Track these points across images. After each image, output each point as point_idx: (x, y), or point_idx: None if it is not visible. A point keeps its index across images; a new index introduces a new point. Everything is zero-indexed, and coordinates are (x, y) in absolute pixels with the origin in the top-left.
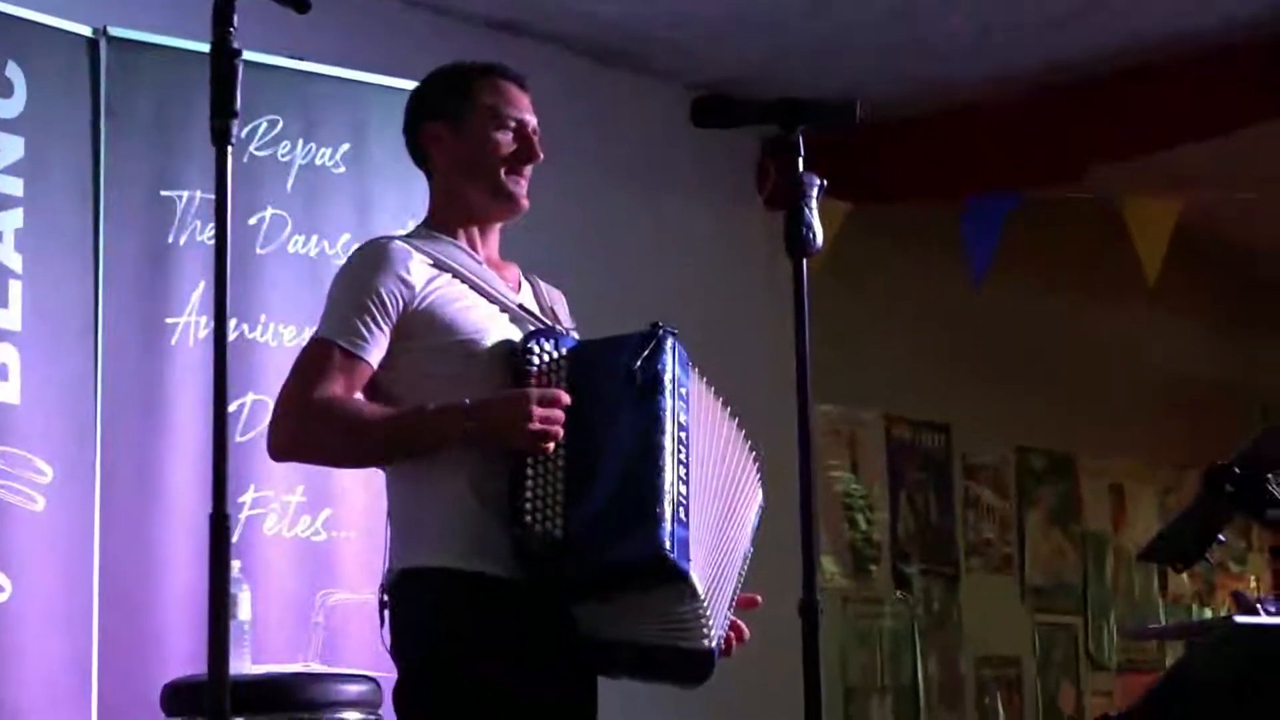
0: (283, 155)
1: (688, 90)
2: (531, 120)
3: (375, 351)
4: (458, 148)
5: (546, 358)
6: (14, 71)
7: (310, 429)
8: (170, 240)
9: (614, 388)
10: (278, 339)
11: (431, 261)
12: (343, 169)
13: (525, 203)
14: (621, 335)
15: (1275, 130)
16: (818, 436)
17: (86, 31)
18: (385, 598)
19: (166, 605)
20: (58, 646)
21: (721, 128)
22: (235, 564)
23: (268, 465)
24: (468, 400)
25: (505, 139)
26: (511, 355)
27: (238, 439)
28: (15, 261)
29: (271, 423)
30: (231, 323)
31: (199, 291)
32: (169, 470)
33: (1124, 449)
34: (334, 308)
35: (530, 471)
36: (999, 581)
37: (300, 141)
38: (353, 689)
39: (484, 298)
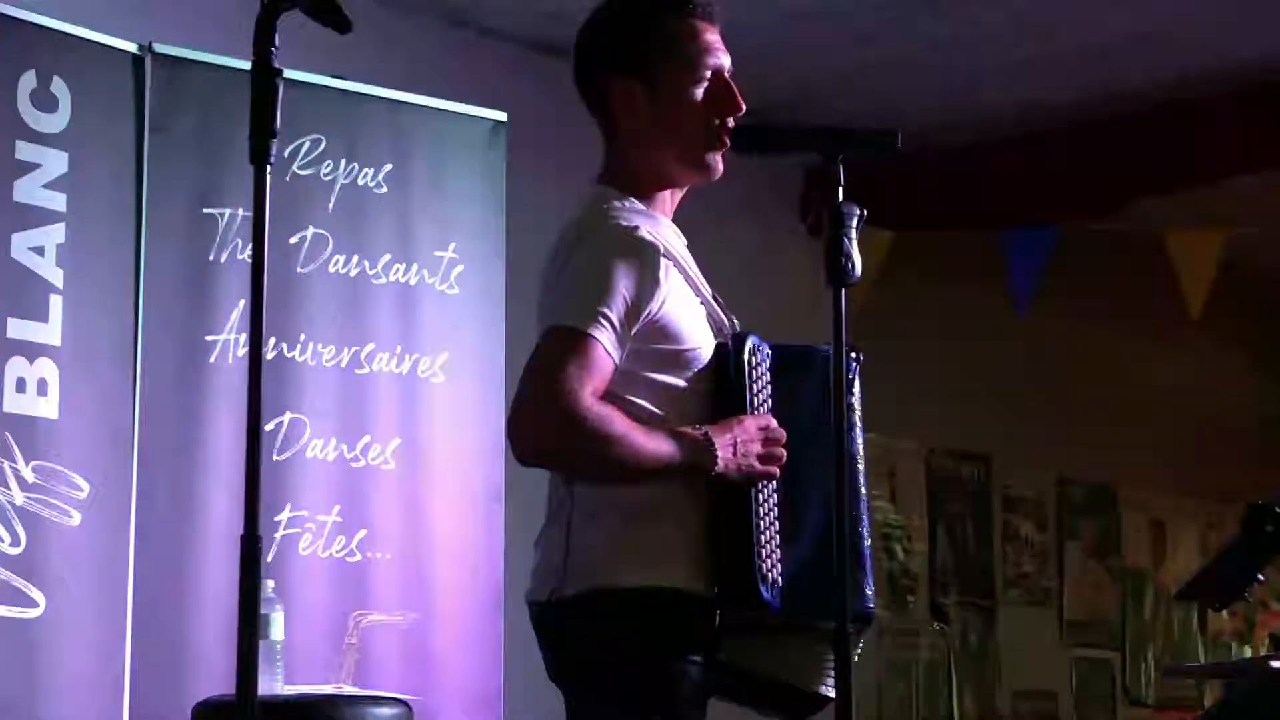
0: (325, 175)
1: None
2: (726, 63)
3: (620, 352)
4: (653, 110)
5: (758, 377)
6: (59, 87)
7: (576, 439)
8: (211, 258)
9: (810, 411)
10: (317, 358)
11: (661, 249)
12: (385, 189)
13: (720, 167)
14: (810, 348)
15: None
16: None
17: (132, 48)
18: (555, 616)
19: (200, 623)
20: (91, 663)
21: (761, 155)
22: (269, 583)
23: (304, 484)
24: (712, 438)
25: (704, 96)
26: (731, 371)
27: (275, 458)
28: (56, 276)
29: (524, 421)
30: (270, 341)
31: (239, 310)
32: (205, 488)
33: (1166, 484)
34: (590, 296)
35: (756, 496)
36: (1037, 615)
37: (343, 161)
38: (384, 711)
39: (691, 286)
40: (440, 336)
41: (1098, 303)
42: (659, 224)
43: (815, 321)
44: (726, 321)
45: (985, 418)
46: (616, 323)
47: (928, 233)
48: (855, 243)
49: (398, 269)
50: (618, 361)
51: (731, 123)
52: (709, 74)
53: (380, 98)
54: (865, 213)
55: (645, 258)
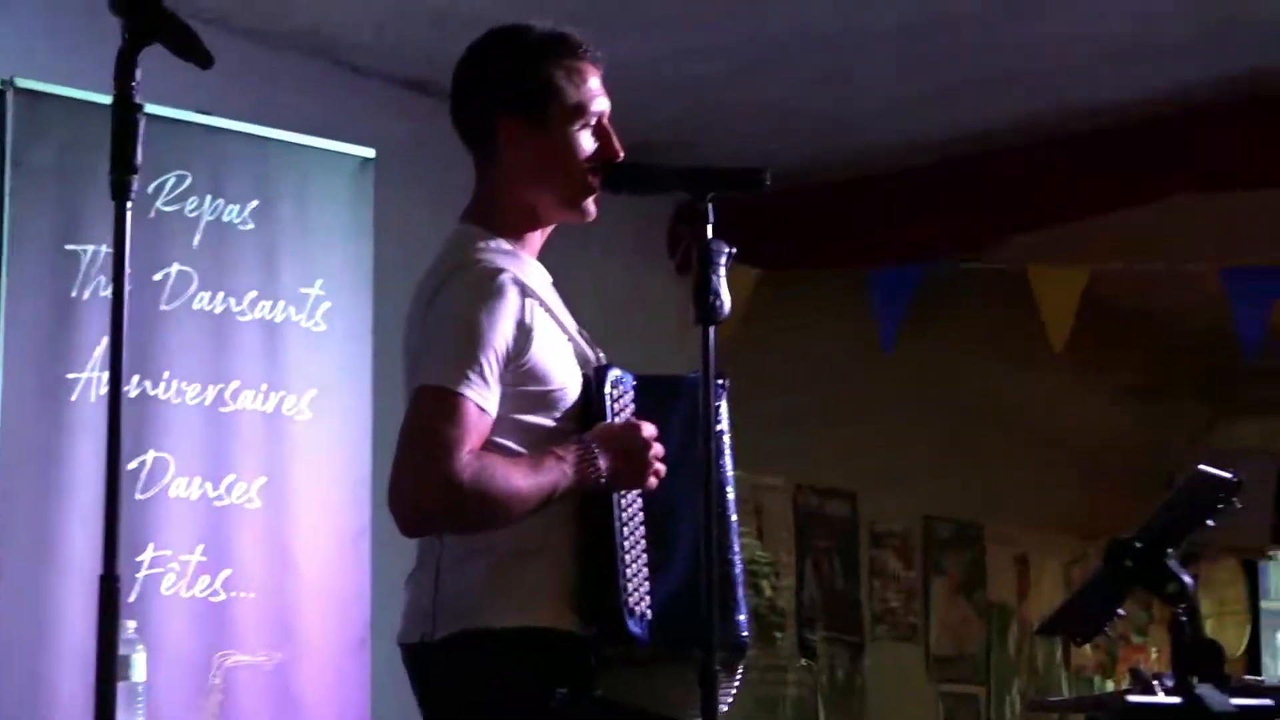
0: (190, 211)
1: None
2: (608, 107)
3: (495, 403)
4: (535, 149)
5: (621, 409)
6: None
7: (460, 504)
8: (74, 295)
9: (677, 441)
10: (180, 396)
11: (527, 291)
12: (251, 226)
13: (594, 210)
14: (676, 378)
15: (1182, 203)
16: None
17: None
18: (427, 658)
19: (61, 664)
20: None
21: (631, 194)
22: (130, 624)
23: (168, 523)
24: (593, 444)
25: (587, 139)
26: (592, 404)
27: (137, 497)
28: None
29: (404, 492)
30: (133, 379)
31: (101, 348)
32: (67, 528)
33: (1031, 518)
34: (458, 352)
35: (622, 530)
36: (904, 650)
37: (208, 197)
38: None
39: (559, 325)
40: (306, 374)
41: (964, 338)
42: (524, 264)
43: (685, 358)
44: (594, 356)
45: (852, 454)
46: (487, 375)
47: (798, 270)
48: (724, 280)
49: (263, 306)
50: (493, 413)
51: (599, 178)
52: (593, 118)
53: (247, 133)
54: (734, 250)
55: (511, 302)
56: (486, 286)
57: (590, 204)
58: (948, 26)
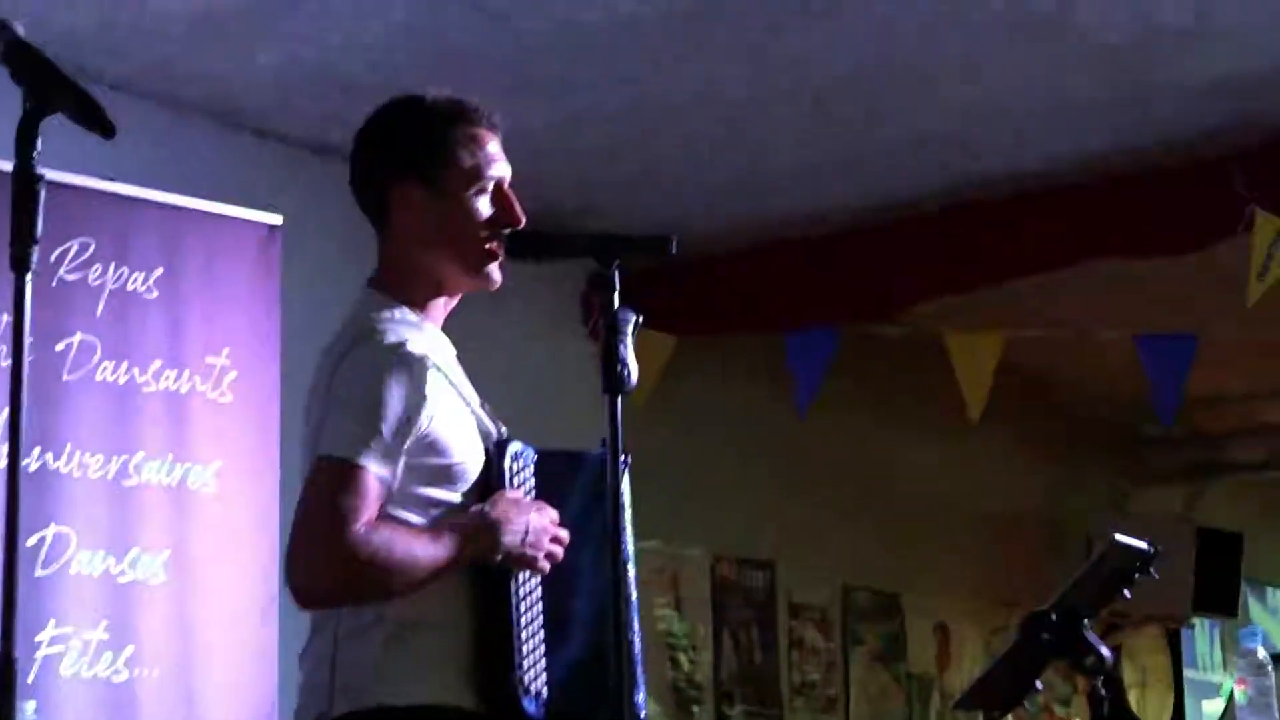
0: (93, 279)
1: None
2: (508, 173)
3: (395, 473)
4: (431, 215)
5: (521, 482)
6: None
7: (359, 575)
8: None
9: (580, 514)
10: (83, 469)
11: (430, 363)
12: (155, 294)
13: (498, 277)
14: (578, 453)
15: (1094, 268)
16: (641, 575)
17: None
18: None
19: None
20: None
21: (537, 262)
22: (30, 705)
23: (69, 600)
24: (491, 518)
25: (484, 204)
26: (493, 479)
27: (38, 573)
28: None
29: (301, 564)
30: (34, 452)
31: (0, 420)
32: None
33: (951, 587)
34: (357, 423)
35: (519, 605)
36: None
37: (112, 265)
38: None
39: (462, 398)
40: (212, 446)
41: (881, 405)
42: (426, 334)
43: (598, 427)
44: (495, 430)
45: (770, 523)
46: (386, 446)
47: (711, 336)
48: (631, 348)
49: (168, 376)
50: (393, 485)
51: (502, 241)
52: (491, 184)
53: (152, 201)
54: (641, 319)
55: (412, 374)
56: (387, 358)
57: (493, 271)
58: (855, 91)
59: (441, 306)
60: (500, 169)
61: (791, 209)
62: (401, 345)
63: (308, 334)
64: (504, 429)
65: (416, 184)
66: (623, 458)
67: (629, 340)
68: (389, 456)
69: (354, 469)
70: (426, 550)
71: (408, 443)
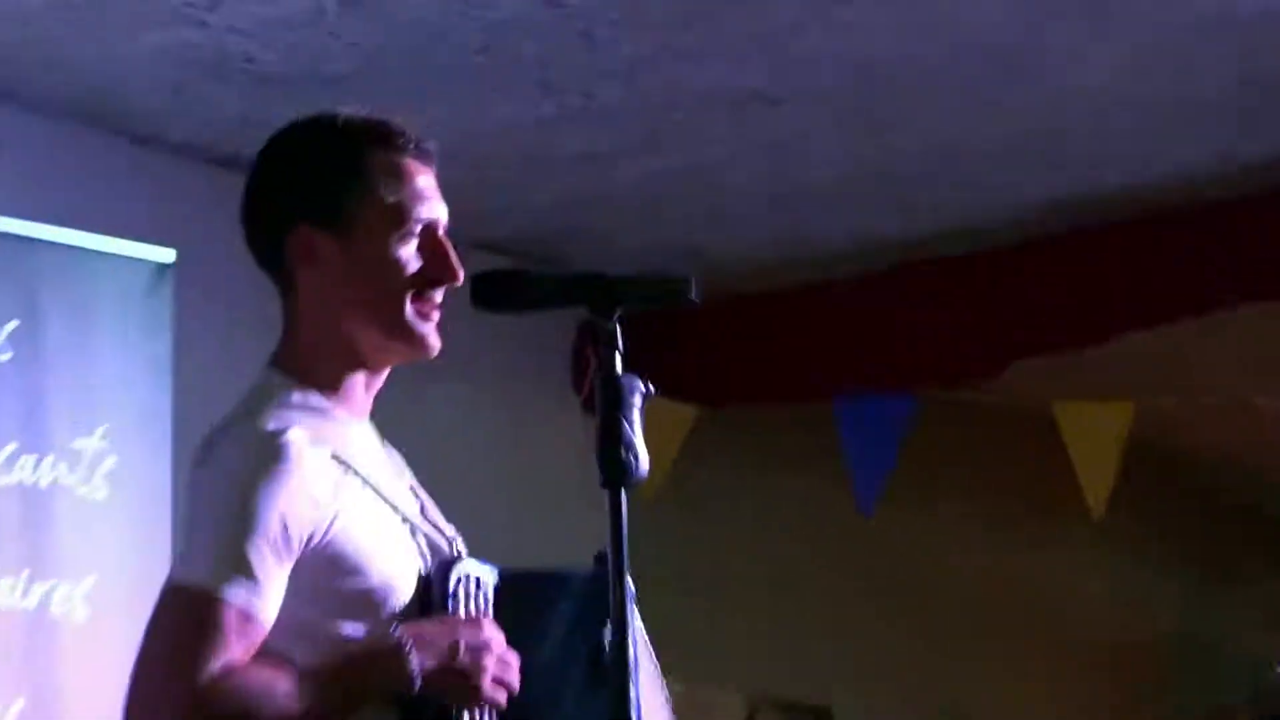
0: None
1: (477, 251)
2: (441, 215)
3: (273, 606)
4: (341, 266)
5: (475, 612)
6: None
7: None
8: None
9: (560, 652)
10: None
11: (331, 456)
12: (7, 355)
13: (435, 342)
14: (560, 573)
15: (1246, 317)
16: None
17: None
18: None
19: None
20: None
21: (511, 313)
22: None
23: None
24: (395, 635)
25: (409, 252)
26: (432, 608)
27: None
28: None
29: (138, 713)
30: None
31: None
32: None
33: None
34: (218, 538)
35: None
36: None
37: None
38: None
39: (387, 503)
40: (82, 557)
41: (966, 495)
42: (336, 423)
43: (595, 527)
44: (448, 546)
45: (823, 655)
46: (258, 570)
47: (742, 405)
48: (639, 426)
49: (24, 464)
50: (266, 618)
51: (438, 296)
52: (418, 226)
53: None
54: (653, 388)
55: (299, 472)
56: (264, 451)
57: (427, 334)
58: (915, 82)
59: (361, 386)
60: (432, 209)
61: (842, 235)
62: (281, 433)
63: (209, 407)
64: (459, 544)
65: (320, 228)
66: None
67: (636, 416)
68: (261, 583)
69: (211, 602)
70: (289, 700)
71: (294, 560)
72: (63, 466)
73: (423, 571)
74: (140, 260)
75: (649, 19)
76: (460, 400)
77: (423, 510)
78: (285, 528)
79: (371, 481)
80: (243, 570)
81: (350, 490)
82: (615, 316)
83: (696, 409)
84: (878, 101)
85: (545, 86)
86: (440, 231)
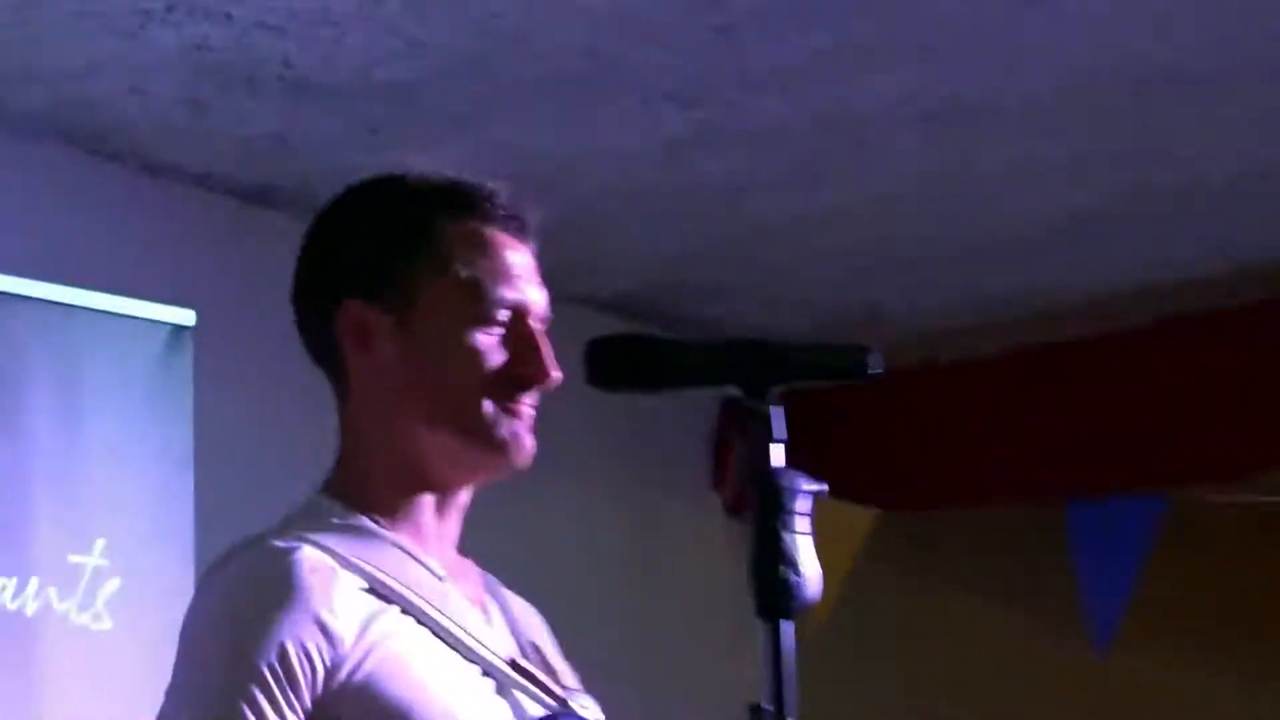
0: None
1: (579, 309)
2: (535, 300)
3: None
4: (397, 353)
5: None
6: None
7: None
8: None
9: None
10: None
11: (367, 584)
12: None
13: (528, 447)
14: None
15: None
16: None
17: None
18: None
19: None
20: None
21: (638, 392)
22: None
23: None
24: None
25: (488, 342)
26: None
27: None
28: None
29: None
30: None
31: None
32: None
33: None
34: (200, 683)
35: None
36: None
37: None
38: None
39: (457, 652)
40: (78, 704)
41: (1220, 623)
42: (384, 550)
43: (748, 656)
44: (543, 700)
45: None
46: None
47: (933, 509)
48: (806, 540)
49: (1, 589)
50: None
51: (530, 398)
52: (501, 311)
53: None
54: (824, 488)
55: (306, 597)
56: (264, 572)
57: (510, 436)
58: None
59: (430, 511)
60: (521, 291)
61: (1065, 287)
62: (290, 551)
63: (242, 509)
64: (585, 705)
65: (373, 304)
66: None
67: (801, 524)
68: None
69: None
70: None
71: (306, 707)
72: (52, 592)
73: None
74: (152, 322)
75: (808, 10)
76: (568, 504)
77: (515, 663)
78: (289, 667)
79: (430, 614)
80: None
81: (391, 627)
82: (770, 394)
83: (875, 513)
84: (1124, 113)
85: (671, 99)
86: (533, 320)
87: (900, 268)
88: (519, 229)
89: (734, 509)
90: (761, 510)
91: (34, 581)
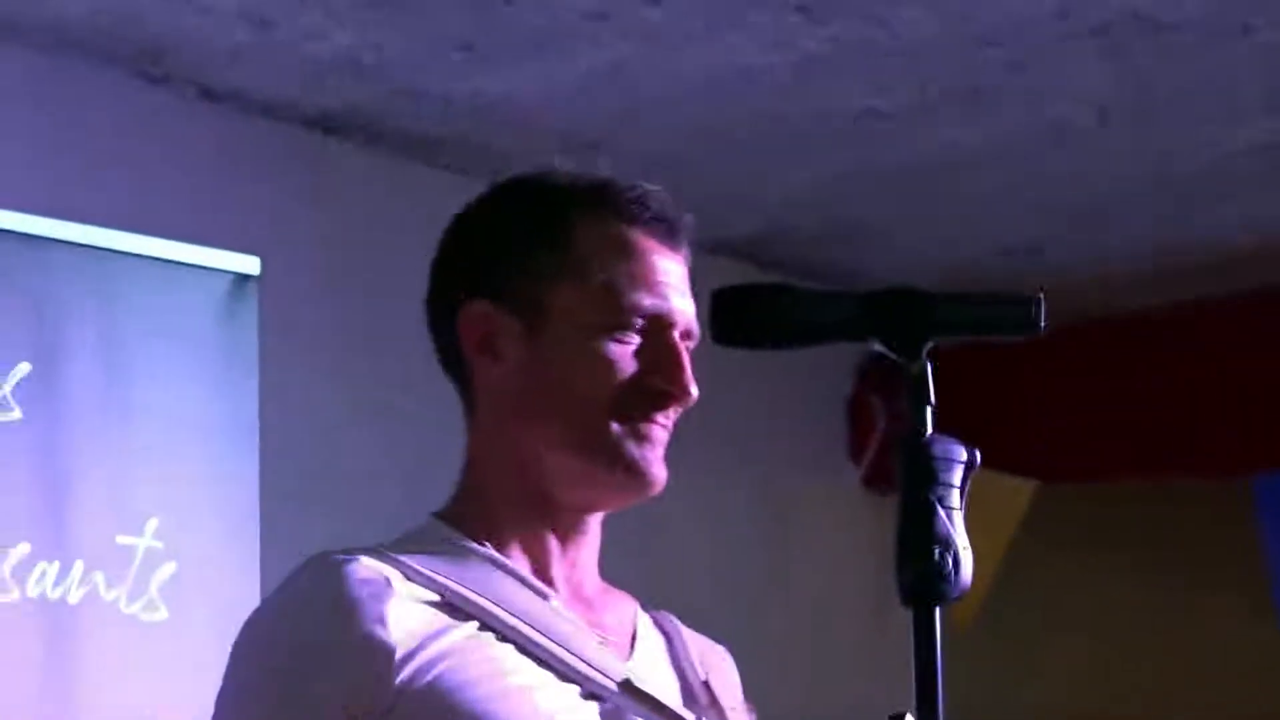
0: None
1: (719, 258)
2: (681, 311)
3: None
4: (523, 361)
5: None
6: None
7: None
8: None
9: None
10: None
11: (438, 597)
12: (16, 413)
13: (659, 474)
14: None
15: None
16: None
17: None
18: None
19: None
20: None
21: (768, 348)
22: None
23: None
24: None
25: (622, 352)
26: None
27: None
28: None
29: None
30: None
31: None
32: None
33: None
34: (250, 710)
35: None
36: None
37: None
38: None
39: (551, 671)
40: (132, 702)
41: None
42: (471, 568)
43: (887, 647)
44: None
45: None
46: None
47: (1100, 481)
48: (958, 517)
49: (40, 574)
50: None
51: (664, 417)
52: (639, 319)
53: (10, 233)
54: (976, 455)
55: (344, 609)
56: (316, 582)
57: (638, 460)
58: None
59: (552, 538)
60: (665, 300)
61: (1252, 230)
62: (346, 562)
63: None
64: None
65: (499, 306)
66: None
67: (956, 501)
68: None
69: None
70: None
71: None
72: (99, 578)
73: None
74: (210, 271)
75: None
76: (689, 478)
77: (629, 684)
78: (341, 692)
79: (521, 631)
80: None
81: (462, 638)
82: (922, 350)
83: (1034, 486)
84: None
85: (804, 11)
86: (677, 333)
87: (1063, 208)
88: (669, 234)
89: (873, 481)
90: (910, 483)
91: (78, 566)
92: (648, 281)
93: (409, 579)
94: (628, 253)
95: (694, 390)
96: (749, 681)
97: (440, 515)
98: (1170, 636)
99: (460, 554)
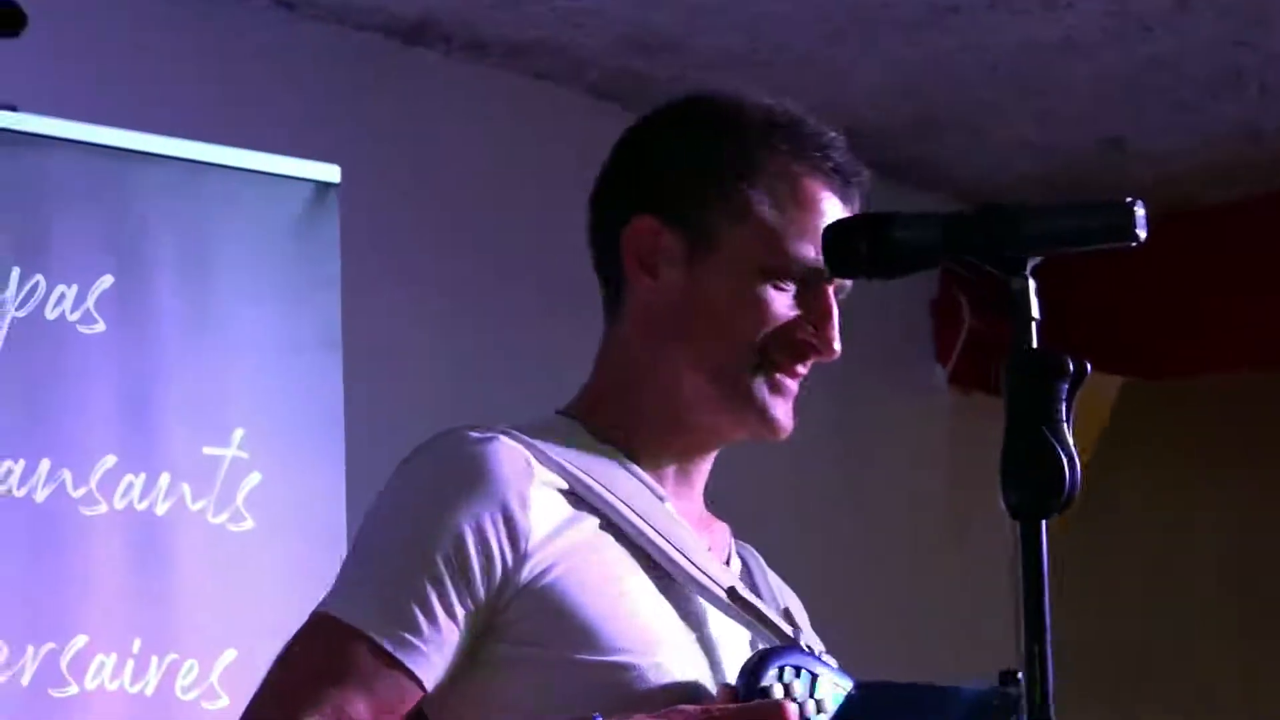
0: None
1: None
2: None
3: (437, 658)
4: (682, 286)
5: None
6: None
7: None
8: None
9: None
10: None
11: (568, 486)
12: (100, 326)
13: (787, 423)
14: (946, 688)
15: None
16: None
17: None
18: None
19: None
20: None
21: (879, 277)
22: None
23: None
24: None
25: (780, 298)
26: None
27: None
28: None
29: None
30: None
31: None
32: None
33: None
34: (372, 564)
35: None
36: None
37: (14, 272)
38: None
39: (661, 567)
40: (216, 622)
41: None
42: (601, 462)
43: (973, 563)
44: (773, 636)
45: None
46: (419, 610)
47: (1195, 376)
48: (1065, 427)
49: (128, 486)
50: (426, 676)
51: (803, 368)
52: (802, 268)
53: (91, 146)
54: (1086, 365)
55: (495, 489)
56: (453, 459)
57: (770, 408)
58: None
59: (673, 455)
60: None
61: None
62: (485, 441)
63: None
64: (808, 640)
65: (674, 229)
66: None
67: (1064, 414)
68: (415, 625)
69: (344, 636)
70: None
71: (479, 607)
72: (185, 488)
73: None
74: (290, 180)
75: None
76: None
77: (734, 592)
78: (464, 557)
79: (640, 534)
80: (397, 607)
81: (588, 538)
82: (1029, 269)
83: (1118, 383)
84: None
85: None
86: (832, 292)
87: (1146, 95)
88: (844, 184)
89: (959, 380)
90: (1018, 397)
91: (165, 478)
92: (816, 234)
93: (542, 464)
94: (803, 201)
95: (838, 348)
96: (825, 589)
97: (564, 412)
98: (1263, 536)
99: (588, 446)
